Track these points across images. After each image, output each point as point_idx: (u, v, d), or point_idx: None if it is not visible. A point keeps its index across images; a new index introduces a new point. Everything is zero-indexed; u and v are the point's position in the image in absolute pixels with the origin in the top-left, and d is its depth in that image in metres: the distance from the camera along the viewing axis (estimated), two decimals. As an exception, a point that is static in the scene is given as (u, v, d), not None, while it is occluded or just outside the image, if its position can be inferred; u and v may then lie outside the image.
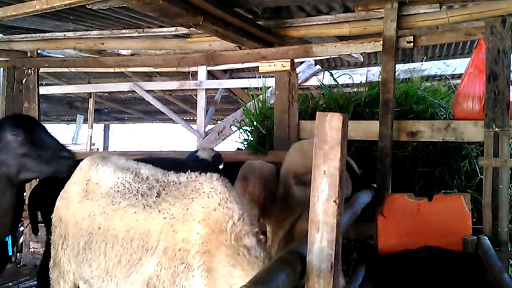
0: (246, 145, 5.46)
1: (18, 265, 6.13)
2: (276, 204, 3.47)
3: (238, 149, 5.50)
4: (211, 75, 8.58)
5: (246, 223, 1.90)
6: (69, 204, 2.48)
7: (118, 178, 2.36)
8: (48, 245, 3.05)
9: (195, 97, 8.60)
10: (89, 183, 2.45)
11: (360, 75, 6.30)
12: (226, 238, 1.84)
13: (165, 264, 1.90)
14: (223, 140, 8.07)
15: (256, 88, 5.97)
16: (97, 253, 2.15)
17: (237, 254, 1.78)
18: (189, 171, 2.24)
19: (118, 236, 2.08)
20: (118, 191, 2.29)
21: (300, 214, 3.27)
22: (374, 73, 6.07)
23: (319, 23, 4.77)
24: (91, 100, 9.87)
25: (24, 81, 5.92)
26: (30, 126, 2.74)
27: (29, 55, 5.97)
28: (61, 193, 2.63)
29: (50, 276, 2.61)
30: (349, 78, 6.18)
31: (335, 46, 4.71)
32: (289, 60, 4.84)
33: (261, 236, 1.93)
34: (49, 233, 2.88)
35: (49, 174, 2.67)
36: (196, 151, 4.44)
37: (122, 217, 2.12)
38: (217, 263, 1.81)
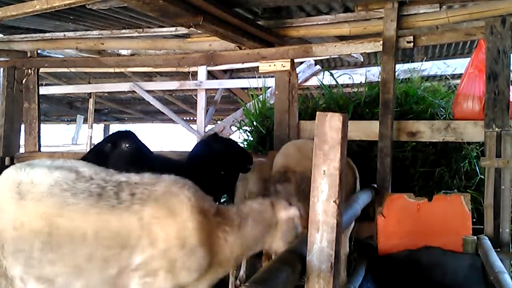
0: (246, 145, 5.46)
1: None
2: None
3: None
4: (211, 75, 8.58)
5: (210, 204, 2.36)
6: (2, 212, 2.41)
7: (58, 176, 2.37)
8: None
9: (195, 97, 8.60)
10: (21, 185, 2.41)
11: (360, 75, 6.30)
12: (210, 212, 2.29)
13: (158, 256, 2.11)
14: (223, 140, 8.05)
15: (256, 88, 5.97)
16: (63, 252, 2.21)
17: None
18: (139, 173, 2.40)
19: (87, 234, 2.17)
20: (64, 190, 2.30)
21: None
22: (374, 73, 6.07)
23: (319, 23, 4.76)
24: (91, 100, 9.85)
25: (24, 81, 5.91)
26: None
27: (29, 55, 5.96)
28: None
29: None
30: (349, 78, 6.17)
31: (335, 46, 4.70)
32: (289, 60, 4.84)
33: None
34: None
35: None
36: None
37: (87, 218, 2.20)
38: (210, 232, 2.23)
